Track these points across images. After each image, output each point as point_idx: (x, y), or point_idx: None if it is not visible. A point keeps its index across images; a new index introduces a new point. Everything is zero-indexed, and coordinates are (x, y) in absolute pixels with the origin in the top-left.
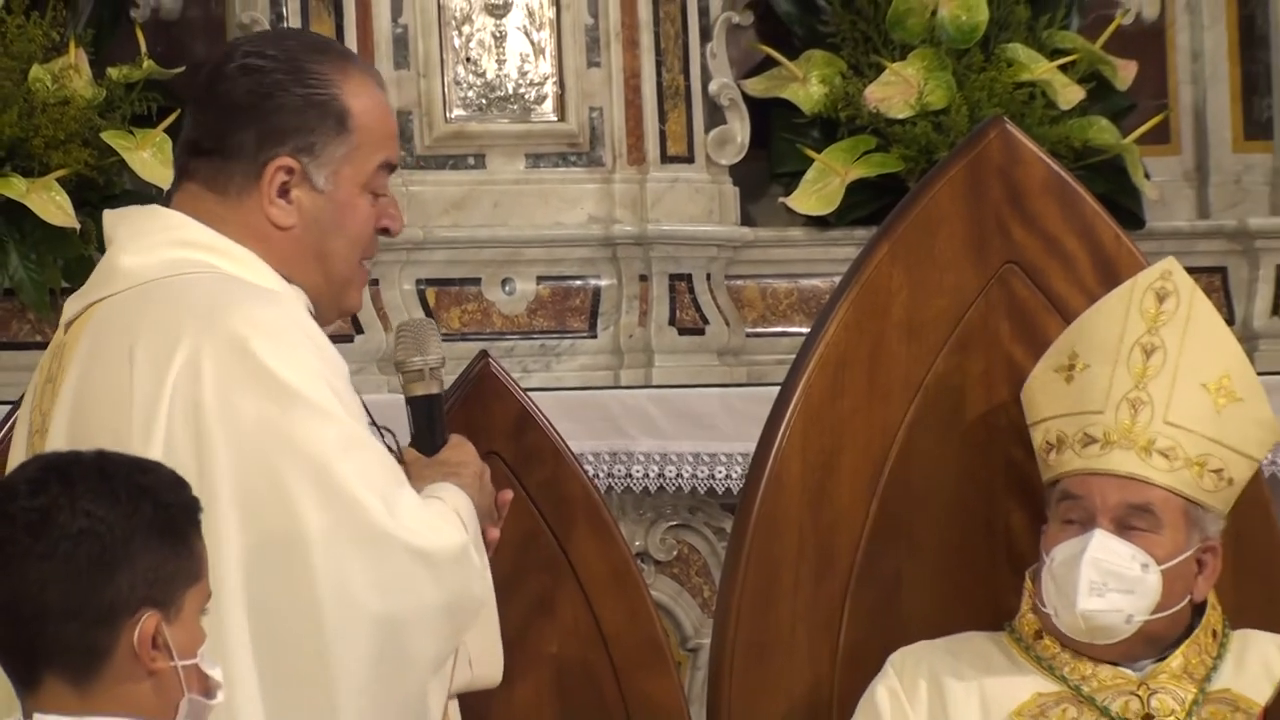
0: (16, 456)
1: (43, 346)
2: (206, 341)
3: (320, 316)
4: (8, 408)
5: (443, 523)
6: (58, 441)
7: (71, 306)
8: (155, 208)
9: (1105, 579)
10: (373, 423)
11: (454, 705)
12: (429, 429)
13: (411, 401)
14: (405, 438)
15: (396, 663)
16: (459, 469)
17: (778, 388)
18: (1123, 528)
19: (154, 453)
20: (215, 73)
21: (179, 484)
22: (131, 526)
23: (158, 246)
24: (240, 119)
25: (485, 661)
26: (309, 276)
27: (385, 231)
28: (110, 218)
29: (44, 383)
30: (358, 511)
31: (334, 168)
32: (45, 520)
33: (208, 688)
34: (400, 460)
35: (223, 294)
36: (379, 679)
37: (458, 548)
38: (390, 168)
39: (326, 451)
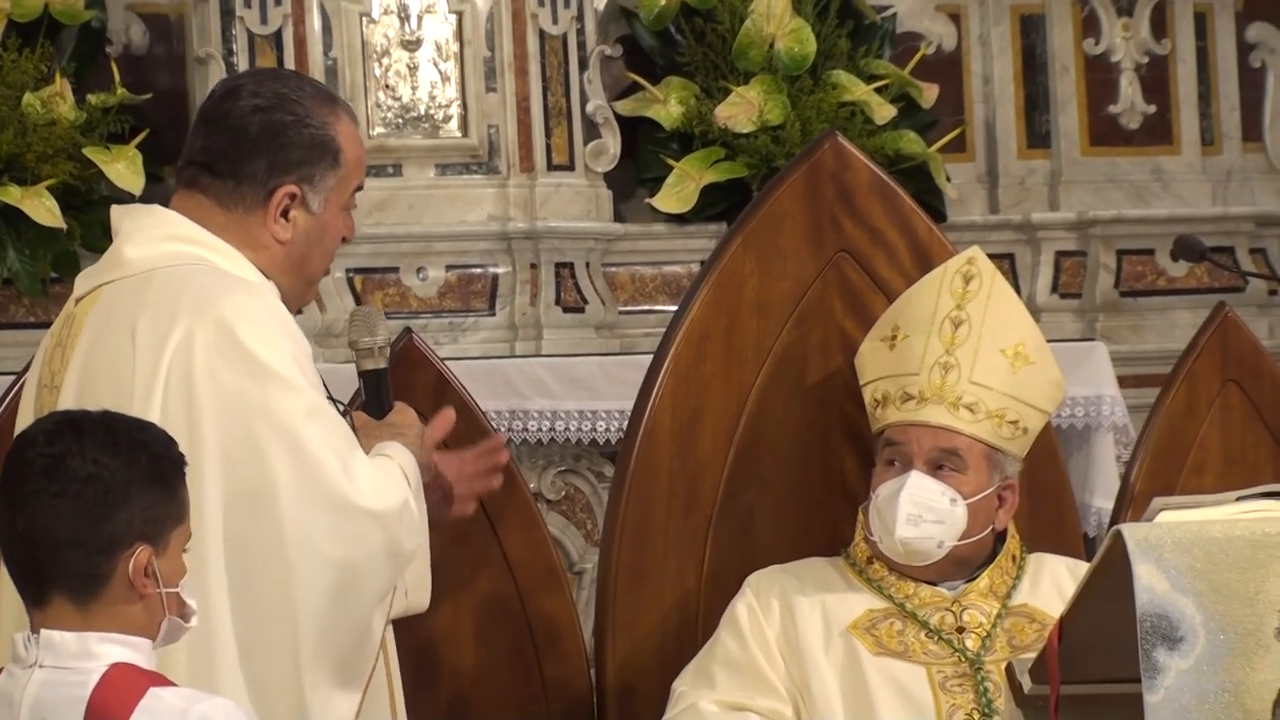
0: (26, 408)
1: (36, 326)
2: (198, 325)
3: (286, 306)
4: (9, 379)
5: (390, 482)
6: (67, 399)
7: (82, 284)
8: (155, 207)
9: (920, 511)
10: (328, 394)
11: (389, 628)
12: (377, 396)
13: (363, 374)
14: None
15: (349, 599)
16: (404, 429)
17: (647, 356)
18: (935, 468)
19: (153, 415)
20: (228, 109)
21: (170, 441)
22: (130, 474)
23: (157, 240)
24: (254, 150)
25: (417, 590)
26: (288, 278)
27: (343, 240)
28: (117, 212)
29: (54, 346)
30: (320, 472)
31: (325, 194)
32: (59, 465)
33: (184, 612)
34: (351, 424)
35: (214, 285)
36: (333, 611)
37: (400, 504)
38: (360, 189)
39: (295, 419)
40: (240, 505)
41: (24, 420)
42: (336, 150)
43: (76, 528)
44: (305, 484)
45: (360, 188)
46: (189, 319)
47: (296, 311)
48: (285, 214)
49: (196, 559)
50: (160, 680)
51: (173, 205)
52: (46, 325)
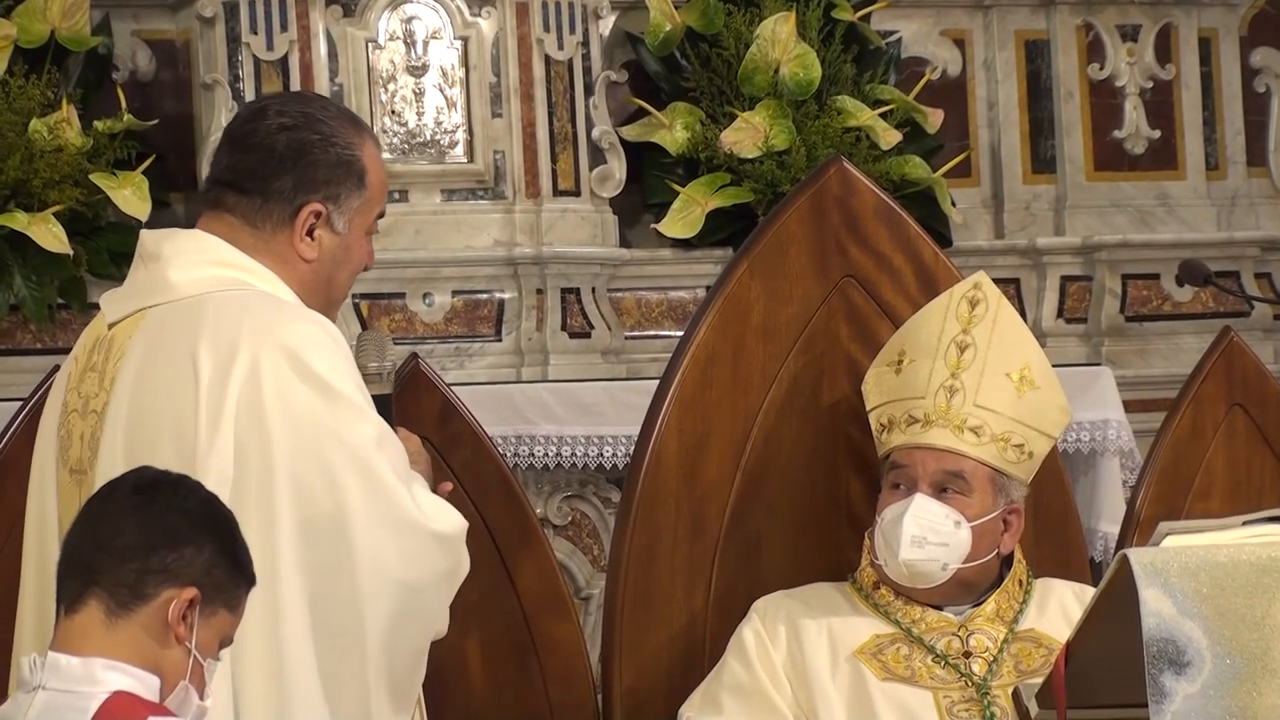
0: (47, 435)
1: (43, 353)
2: (264, 351)
3: None
4: (15, 404)
5: (449, 509)
6: (116, 425)
7: (116, 307)
8: (196, 231)
9: (924, 533)
10: None
11: None
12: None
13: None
14: None
15: (409, 621)
16: (416, 457)
17: (653, 381)
18: (939, 491)
19: (221, 442)
20: (255, 128)
21: (250, 561)
22: (213, 529)
23: (201, 265)
24: (280, 167)
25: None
26: (316, 298)
27: (365, 267)
28: (152, 236)
29: (83, 370)
30: (391, 498)
31: (350, 215)
32: (155, 487)
33: (202, 691)
34: None
35: (276, 311)
36: (394, 634)
37: (461, 528)
38: (382, 215)
39: (367, 445)
40: (313, 531)
41: (44, 449)
42: (362, 171)
43: (145, 539)
44: (378, 510)
45: (382, 215)
46: (253, 346)
47: None
48: (310, 233)
49: (270, 581)
50: (162, 711)
51: (201, 226)
52: (53, 351)
